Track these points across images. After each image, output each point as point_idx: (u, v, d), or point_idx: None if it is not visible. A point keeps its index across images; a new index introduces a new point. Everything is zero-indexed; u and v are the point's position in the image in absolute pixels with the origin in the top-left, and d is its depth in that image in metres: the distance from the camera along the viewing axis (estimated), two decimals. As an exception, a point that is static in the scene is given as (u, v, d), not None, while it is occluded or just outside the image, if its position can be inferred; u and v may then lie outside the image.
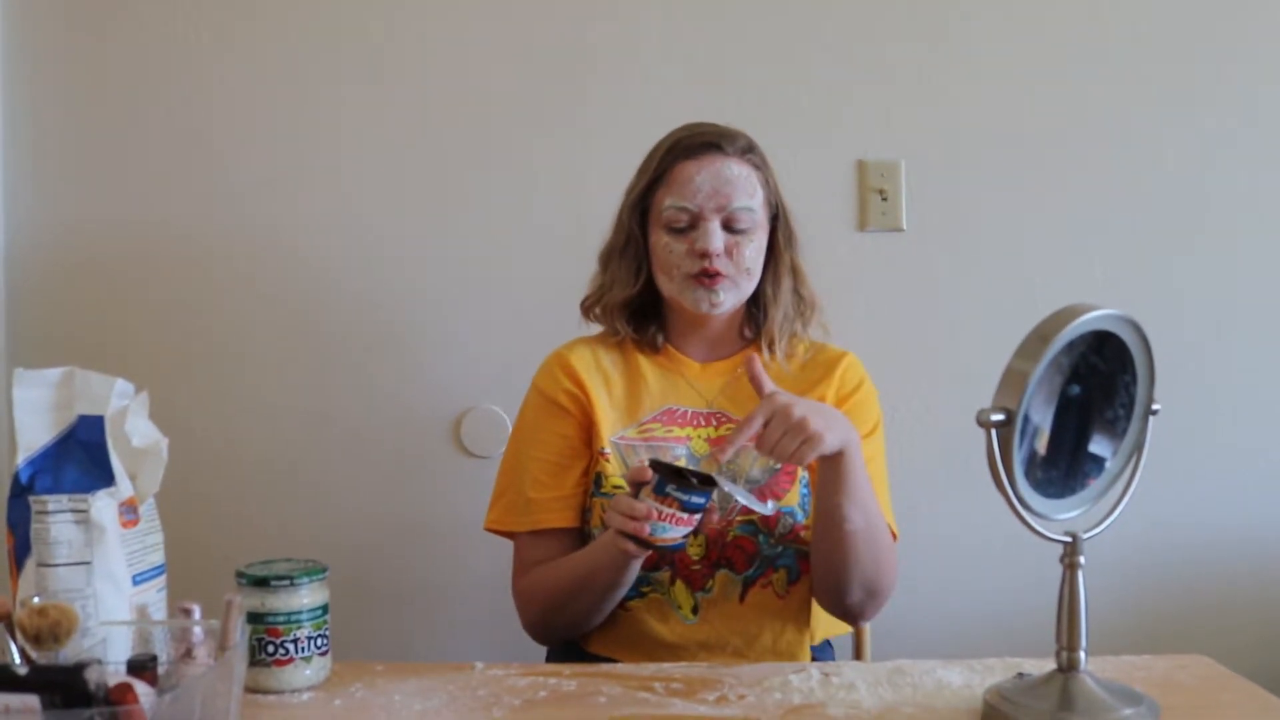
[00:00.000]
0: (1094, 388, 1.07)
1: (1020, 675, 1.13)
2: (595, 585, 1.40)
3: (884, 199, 1.98)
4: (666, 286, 1.51)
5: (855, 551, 1.38)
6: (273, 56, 1.98)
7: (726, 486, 1.31)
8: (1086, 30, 1.98)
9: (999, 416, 1.01)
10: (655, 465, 1.26)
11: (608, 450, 1.47)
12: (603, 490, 1.45)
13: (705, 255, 1.45)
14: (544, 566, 1.46)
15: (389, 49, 1.98)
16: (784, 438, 1.26)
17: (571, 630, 1.48)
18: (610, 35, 1.98)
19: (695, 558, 1.43)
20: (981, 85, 1.99)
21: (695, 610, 1.43)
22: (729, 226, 1.47)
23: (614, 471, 1.46)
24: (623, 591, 1.41)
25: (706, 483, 1.26)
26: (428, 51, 1.98)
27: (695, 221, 1.47)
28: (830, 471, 1.35)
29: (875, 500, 1.41)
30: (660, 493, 1.24)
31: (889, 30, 1.98)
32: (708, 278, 1.46)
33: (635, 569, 1.38)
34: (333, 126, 1.99)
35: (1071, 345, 1.02)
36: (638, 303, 1.55)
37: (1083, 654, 1.07)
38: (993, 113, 1.99)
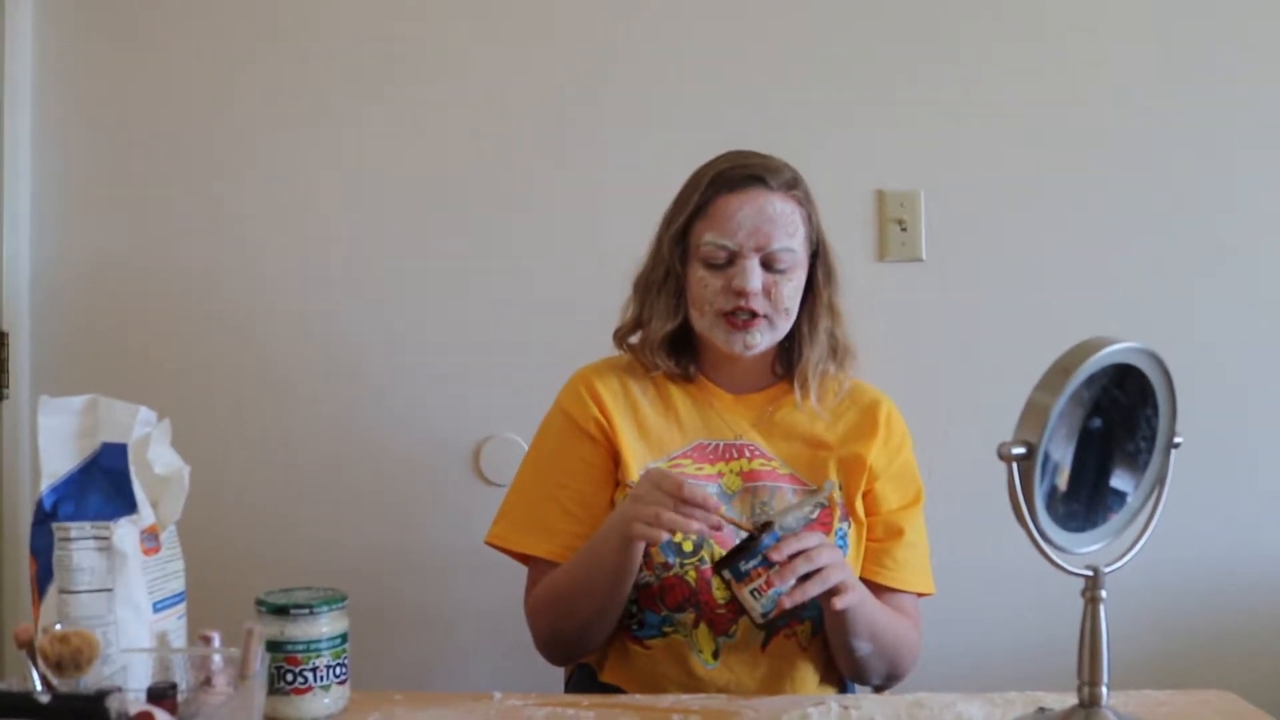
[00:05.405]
0: (1115, 421, 1.06)
1: (1041, 710, 1.12)
2: (597, 584, 1.37)
3: (903, 229, 1.98)
4: (699, 322, 1.48)
5: (868, 666, 1.42)
6: (294, 96, 2.01)
7: (781, 520, 1.31)
8: (1104, 59, 1.99)
9: (1020, 450, 1.00)
10: (718, 564, 1.28)
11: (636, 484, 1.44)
12: None
13: (742, 294, 1.43)
14: (551, 574, 1.44)
15: (409, 85, 2.00)
16: (814, 575, 1.26)
17: (582, 642, 1.44)
18: (630, 63, 2.00)
19: (721, 601, 1.40)
20: (1000, 115, 1.99)
21: (716, 655, 1.41)
22: (768, 266, 1.44)
23: None
24: (626, 589, 1.37)
25: (761, 531, 1.27)
26: (448, 80, 2.00)
27: (734, 259, 1.44)
28: (833, 618, 1.36)
29: (883, 616, 1.40)
30: (742, 576, 1.25)
31: (908, 60, 1.99)
32: (742, 317, 1.44)
33: (637, 559, 1.35)
34: (352, 157, 2.01)
35: (1093, 378, 1.02)
36: (675, 336, 1.52)
37: (1105, 689, 1.06)
38: (1011, 142, 1.99)
